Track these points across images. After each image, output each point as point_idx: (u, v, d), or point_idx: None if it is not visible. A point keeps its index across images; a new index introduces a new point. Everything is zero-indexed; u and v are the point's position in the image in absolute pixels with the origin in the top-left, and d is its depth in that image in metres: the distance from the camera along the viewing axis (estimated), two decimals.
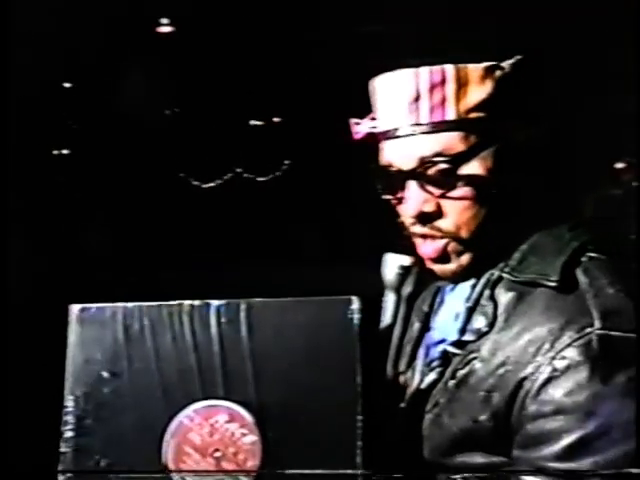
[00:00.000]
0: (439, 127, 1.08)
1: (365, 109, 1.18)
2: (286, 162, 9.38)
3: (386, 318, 1.24)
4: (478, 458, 1.07)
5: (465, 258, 1.12)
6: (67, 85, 7.17)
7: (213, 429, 1.00)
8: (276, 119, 9.19)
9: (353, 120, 1.19)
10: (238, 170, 9.44)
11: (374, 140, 1.16)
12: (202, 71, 7.20)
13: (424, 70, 1.08)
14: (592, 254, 1.09)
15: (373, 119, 1.16)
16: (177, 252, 7.43)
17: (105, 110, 7.33)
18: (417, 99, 1.08)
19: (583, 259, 1.08)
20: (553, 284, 1.05)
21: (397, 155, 1.11)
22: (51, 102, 6.79)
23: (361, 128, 1.17)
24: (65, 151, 8.06)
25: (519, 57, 1.11)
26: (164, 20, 6.42)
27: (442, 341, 1.15)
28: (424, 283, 1.26)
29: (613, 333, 0.99)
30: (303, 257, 7.84)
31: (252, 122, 9.23)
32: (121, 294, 1.10)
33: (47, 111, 6.80)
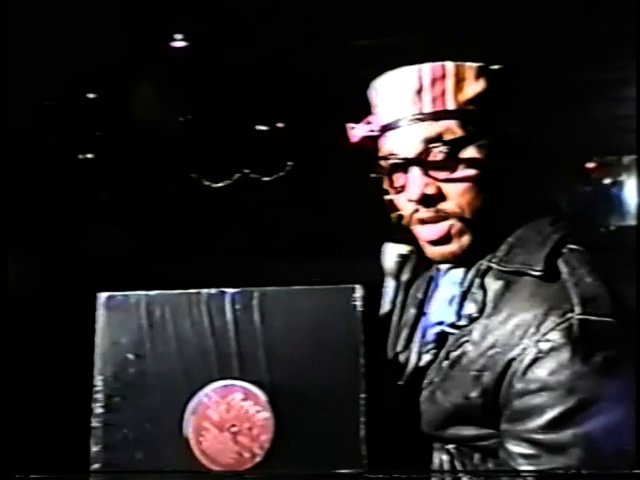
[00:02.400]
0: (440, 116, 1.08)
1: (360, 115, 1.18)
2: (289, 163, 9.37)
3: (386, 303, 1.23)
4: (468, 430, 1.06)
5: (466, 239, 1.11)
6: (91, 96, 7.15)
7: (229, 406, 0.99)
8: (280, 125, 9.18)
9: (349, 125, 1.19)
10: (245, 171, 9.44)
11: (369, 143, 1.16)
12: (212, 82, 7.19)
13: (426, 66, 1.09)
14: (571, 246, 1.09)
15: (368, 123, 1.16)
16: (190, 245, 7.43)
17: (126, 119, 7.32)
18: (420, 91, 1.08)
19: (564, 250, 1.08)
20: (537, 273, 1.05)
21: (400, 143, 1.10)
22: (78, 111, 6.78)
23: (357, 132, 1.17)
24: (90, 155, 8.05)
25: (503, 66, 1.11)
26: (178, 36, 6.40)
27: (438, 324, 1.14)
28: (421, 270, 1.25)
29: (591, 318, 0.99)
30: (304, 249, 7.84)
31: (258, 128, 9.22)
32: (142, 284, 1.10)
33: (74, 119, 6.80)
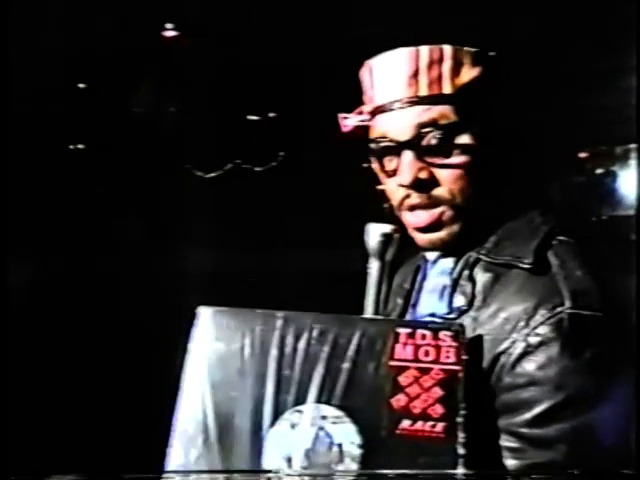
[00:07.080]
0: (436, 100, 1.06)
1: (352, 105, 1.17)
2: (281, 154, 9.34)
3: (371, 283, 1.21)
4: None
5: (456, 226, 1.10)
6: (82, 86, 7.11)
7: None
8: (271, 114, 9.15)
9: (341, 115, 1.17)
10: (237, 161, 9.40)
11: (360, 132, 1.15)
12: (204, 72, 7.16)
13: (424, 48, 1.07)
14: (561, 237, 1.08)
15: (360, 113, 1.15)
16: (182, 236, 7.41)
17: (117, 109, 7.28)
18: (416, 74, 1.06)
19: (554, 242, 1.07)
20: (527, 266, 1.04)
21: (393, 126, 1.09)
22: (68, 102, 6.75)
23: (349, 122, 1.16)
24: (80, 146, 8.01)
25: (496, 53, 1.10)
26: (169, 25, 6.37)
27: (430, 315, 1.13)
28: (406, 249, 1.23)
29: (582, 312, 0.98)
30: (297, 239, 7.83)
31: (249, 117, 9.18)
32: (133, 273, 1.07)
33: (64, 109, 6.76)
